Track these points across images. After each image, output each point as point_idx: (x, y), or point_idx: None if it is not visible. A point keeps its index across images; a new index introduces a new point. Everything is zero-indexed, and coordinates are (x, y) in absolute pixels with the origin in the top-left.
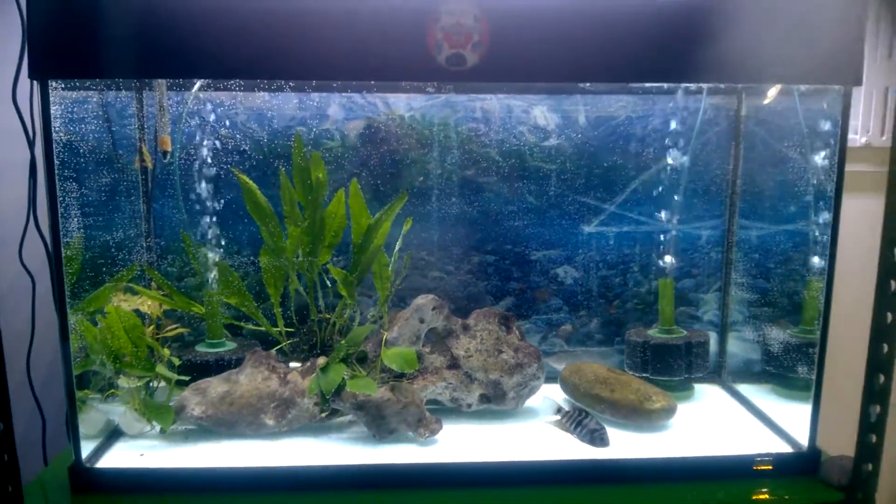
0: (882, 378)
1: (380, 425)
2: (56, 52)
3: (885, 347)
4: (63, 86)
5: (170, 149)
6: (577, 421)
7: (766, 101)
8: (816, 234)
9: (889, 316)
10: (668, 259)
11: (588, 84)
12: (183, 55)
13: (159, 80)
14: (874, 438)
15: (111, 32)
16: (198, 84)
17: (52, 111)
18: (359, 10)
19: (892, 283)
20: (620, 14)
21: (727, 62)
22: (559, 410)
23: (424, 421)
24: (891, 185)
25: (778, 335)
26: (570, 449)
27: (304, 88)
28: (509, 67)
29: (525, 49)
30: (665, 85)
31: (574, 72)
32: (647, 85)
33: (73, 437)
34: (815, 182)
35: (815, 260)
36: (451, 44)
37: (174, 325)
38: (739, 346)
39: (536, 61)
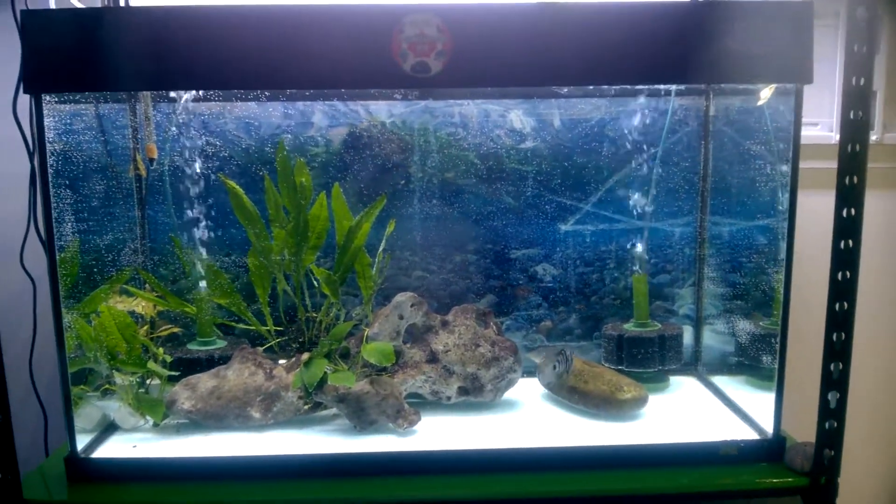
0: (841, 366)
1: (360, 417)
2: (49, 68)
3: (843, 335)
4: (57, 99)
5: (156, 156)
6: (558, 361)
7: (759, 103)
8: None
9: (845, 305)
10: (642, 255)
11: (563, 88)
12: (163, 69)
13: (144, 93)
14: (835, 425)
15: (100, 49)
16: (185, 96)
17: (51, 124)
18: (329, 22)
19: (847, 272)
20: (580, 21)
21: (686, 65)
22: (555, 367)
23: (403, 412)
24: (839, 179)
25: (751, 328)
26: (543, 438)
27: (280, 97)
28: (471, 74)
29: (486, 56)
30: (635, 87)
31: (534, 77)
32: (616, 88)
33: (69, 429)
34: (783, 179)
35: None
36: (415, 53)
37: (167, 326)
38: (714, 339)
39: (497, 67)
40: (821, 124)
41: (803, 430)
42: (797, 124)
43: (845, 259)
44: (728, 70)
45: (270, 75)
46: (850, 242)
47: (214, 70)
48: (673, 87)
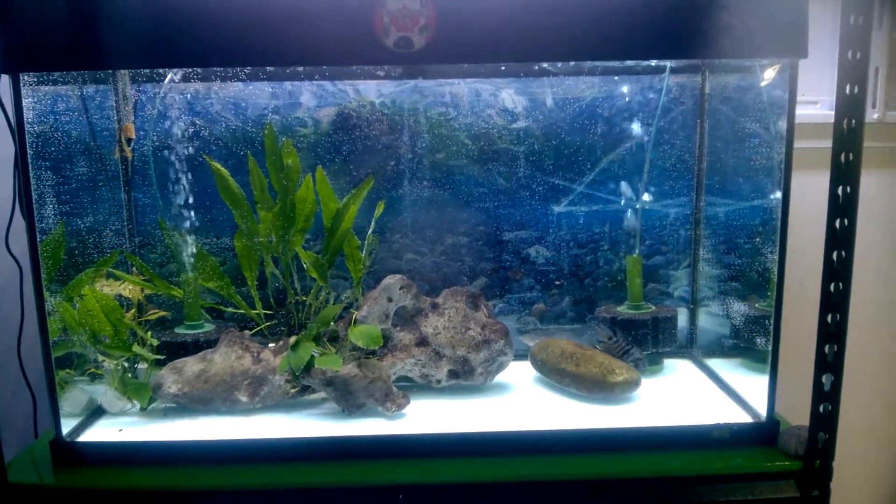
0: (835, 347)
1: (348, 400)
2: (27, 47)
3: (837, 317)
4: (37, 80)
5: (133, 136)
6: (624, 350)
7: (763, 84)
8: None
9: (840, 286)
10: (636, 236)
11: (550, 65)
12: (140, 47)
13: (122, 71)
14: (829, 408)
15: (79, 27)
16: (170, 75)
17: (32, 105)
18: None
19: (842, 252)
20: None
21: (677, 39)
22: (610, 338)
23: (392, 396)
24: (834, 157)
25: (746, 310)
26: (534, 421)
27: (261, 76)
28: (456, 49)
29: (471, 31)
30: (628, 64)
31: (522, 53)
32: (610, 65)
33: (54, 413)
34: (780, 158)
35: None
36: (398, 27)
37: (155, 310)
38: (710, 321)
39: (483, 43)
40: (820, 103)
41: (797, 414)
42: (792, 101)
43: (840, 239)
44: (721, 45)
45: (249, 51)
46: (846, 221)
47: (193, 47)
48: (668, 64)
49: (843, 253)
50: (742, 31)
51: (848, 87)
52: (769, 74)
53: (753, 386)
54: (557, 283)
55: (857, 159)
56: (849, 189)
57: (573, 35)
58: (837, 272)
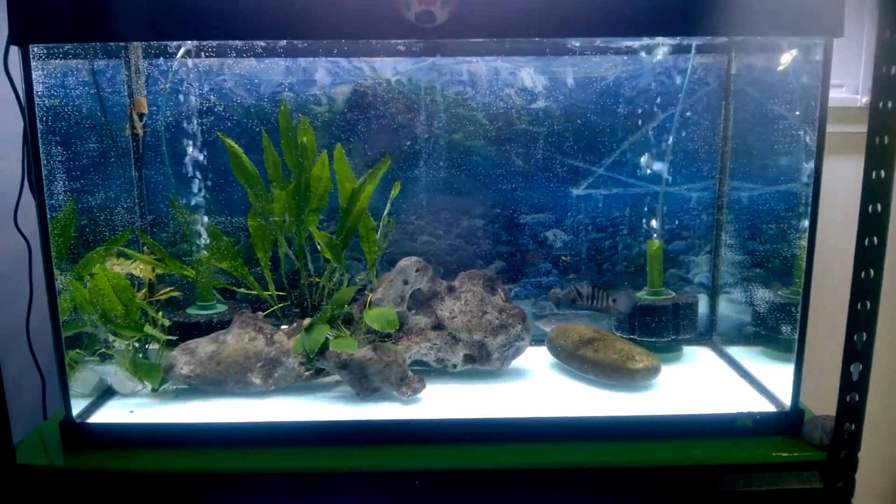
0: (865, 336)
1: (363, 384)
2: (36, 18)
3: (868, 305)
4: (47, 52)
5: (146, 111)
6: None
7: (780, 68)
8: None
9: (871, 273)
10: (656, 221)
11: (576, 42)
12: (153, 18)
13: (135, 43)
14: (856, 397)
15: None
16: (183, 49)
17: (42, 79)
18: None
19: (875, 238)
20: None
21: (706, 16)
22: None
23: (407, 380)
24: (869, 139)
25: (769, 297)
26: (551, 408)
27: (279, 51)
28: (479, 24)
29: (494, 5)
30: (651, 43)
31: (546, 28)
32: (634, 44)
33: (64, 394)
34: (807, 142)
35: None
36: (420, 0)
37: (167, 289)
38: (731, 308)
39: (507, 18)
40: (846, 86)
41: (820, 404)
42: (825, 82)
43: (874, 224)
44: (751, 22)
45: (267, 24)
46: (879, 206)
47: (208, 19)
48: (694, 42)
49: (876, 239)
50: (774, 8)
51: (885, 68)
52: (786, 59)
53: (776, 374)
54: (564, 258)
55: (892, 142)
56: (883, 173)
57: (599, 10)
58: (869, 259)
